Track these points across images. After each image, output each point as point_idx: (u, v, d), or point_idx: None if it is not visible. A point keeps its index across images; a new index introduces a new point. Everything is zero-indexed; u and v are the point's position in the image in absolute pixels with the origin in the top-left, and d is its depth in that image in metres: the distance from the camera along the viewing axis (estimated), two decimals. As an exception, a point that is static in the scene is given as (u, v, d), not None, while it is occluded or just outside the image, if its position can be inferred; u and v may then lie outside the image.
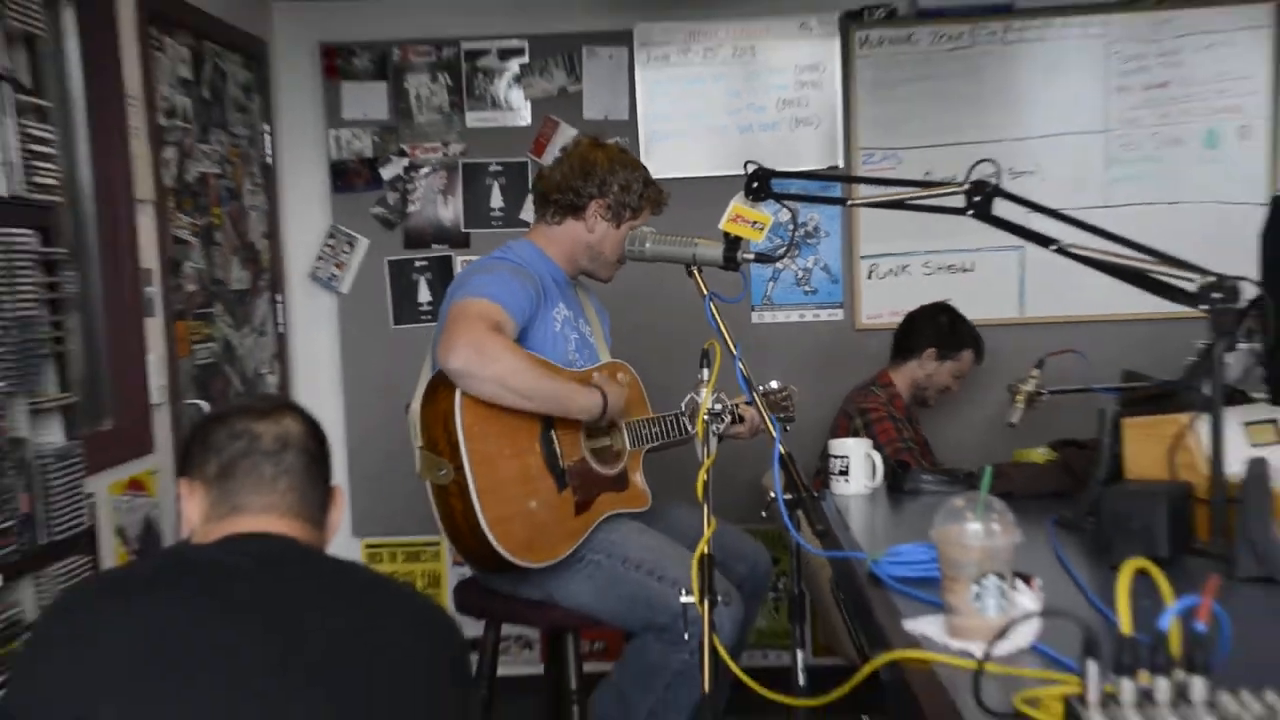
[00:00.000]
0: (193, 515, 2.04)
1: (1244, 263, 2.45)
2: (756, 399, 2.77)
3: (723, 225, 2.78)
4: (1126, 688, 1.36)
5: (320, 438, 2.13)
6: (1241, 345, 2.38)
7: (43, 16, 3.28)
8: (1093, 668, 1.37)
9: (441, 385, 3.28)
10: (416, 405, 3.35)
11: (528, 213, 5.29)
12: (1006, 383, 3.67)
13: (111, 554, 3.69)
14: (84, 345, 3.85)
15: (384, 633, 1.89)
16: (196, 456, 2.05)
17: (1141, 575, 1.46)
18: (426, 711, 1.83)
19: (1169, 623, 1.38)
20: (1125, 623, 1.39)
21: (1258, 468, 2.17)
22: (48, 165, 3.16)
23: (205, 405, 4.53)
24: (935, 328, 4.94)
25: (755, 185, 3.03)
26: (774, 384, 3.36)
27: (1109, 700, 1.36)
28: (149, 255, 4.17)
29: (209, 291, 4.73)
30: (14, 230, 3.02)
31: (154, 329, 4.19)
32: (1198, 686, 1.36)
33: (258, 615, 1.83)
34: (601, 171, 3.56)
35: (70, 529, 3.23)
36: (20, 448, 3.03)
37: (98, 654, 1.77)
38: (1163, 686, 1.35)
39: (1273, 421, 2.50)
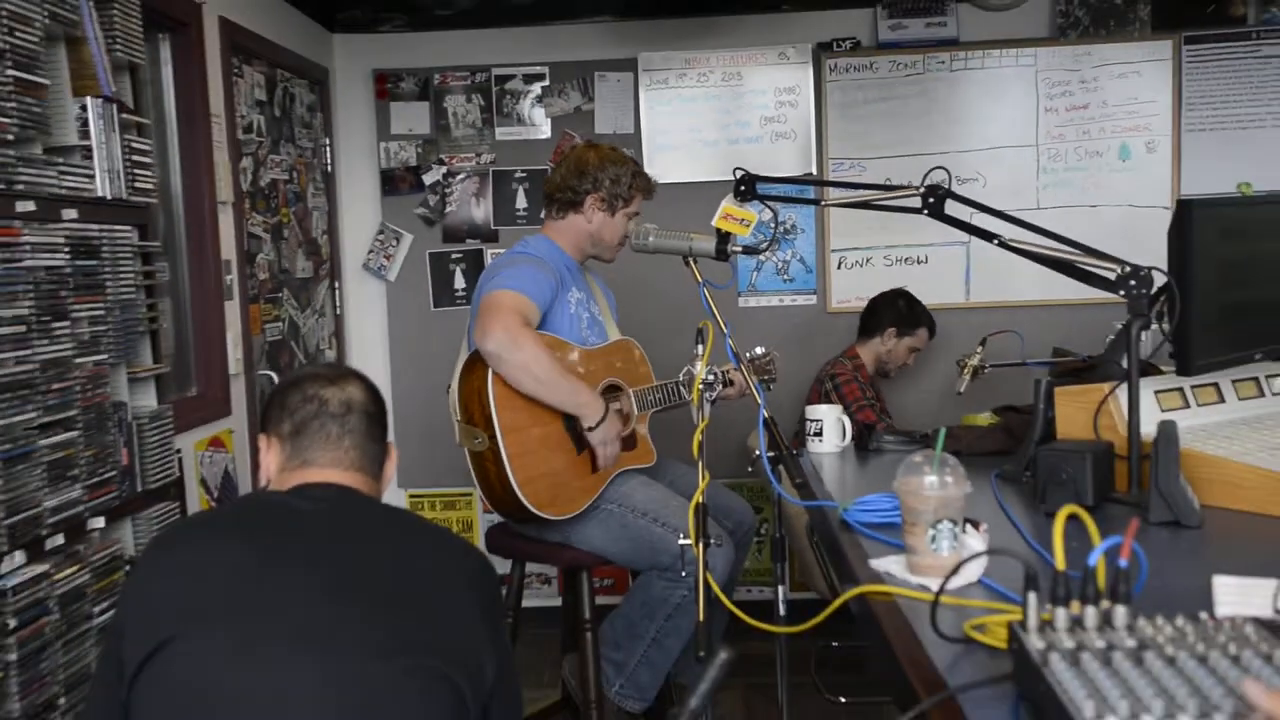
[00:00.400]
0: (270, 466, 2.06)
1: (1154, 256, 2.46)
2: (744, 368, 2.78)
3: (715, 222, 2.79)
4: (1060, 615, 1.37)
5: (379, 401, 2.14)
6: (1153, 325, 2.39)
7: (144, 48, 3.28)
8: (1032, 598, 1.38)
9: (476, 366, 3.28)
10: (455, 385, 3.35)
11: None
12: (955, 358, 3.68)
13: (196, 500, 3.72)
14: (174, 324, 3.88)
15: (430, 567, 1.90)
16: (274, 416, 2.06)
17: (1072, 520, 1.46)
18: (465, 633, 1.83)
19: (1096, 560, 1.40)
20: (1060, 560, 1.40)
21: (1167, 428, 2.18)
22: (145, 173, 3.16)
23: (274, 375, 4.55)
24: (894, 310, 4.97)
25: (743, 188, 3.04)
26: (759, 350, 3.36)
27: (1045, 625, 1.37)
28: (228, 248, 4.20)
29: (277, 279, 4.75)
30: (117, 227, 3.02)
31: (232, 311, 4.21)
32: (1120, 613, 1.37)
33: (324, 552, 1.85)
34: (593, 170, 3.55)
35: (162, 479, 3.23)
36: (121, 410, 3.04)
37: (183, 588, 1.79)
38: (1091, 614, 1.37)
39: (1179, 390, 2.52)
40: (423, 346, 5.53)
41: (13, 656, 2.51)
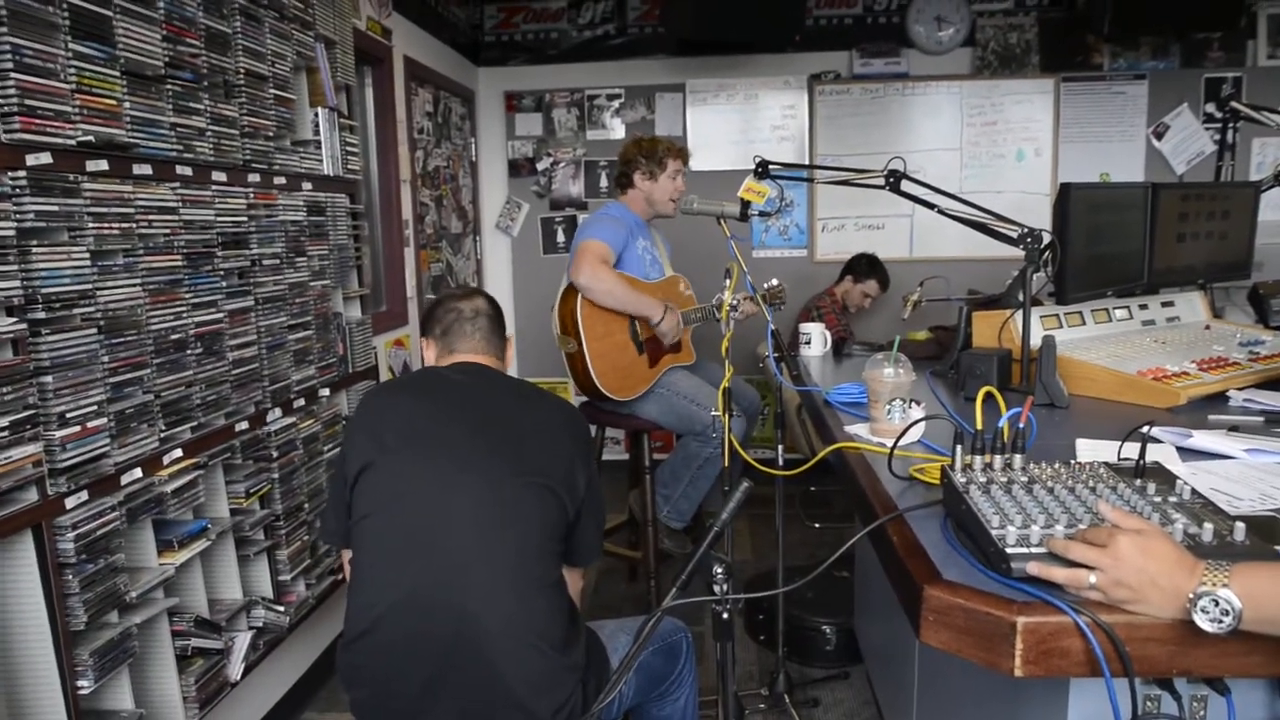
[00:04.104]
0: (430, 359, 2.09)
1: (1040, 227, 2.44)
2: (759, 296, 2.78)
3: (740, 193, 2.77)
4: (976, 460, 1.38)
5: (497, 308, 2.15)
6: (1041, 272, 2.37)
7: (354, 75, 3.30)
8: (958, 450, 1.39)
9: (570, 294, 3.28)
10: (556, 307, 3.36)
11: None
12: (901, 295, 3.65)
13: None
14: (371, 262, 3.91)
15: (541, 418, 1.90)
16: (429, 325, 2.09)
17: (987, 398, 1.47)
18: (564, 462, 1.84)
19: (1004, 423, 1.41)
20: (978, 423, 1.41)
21: (1048, 340, 2.17)
22: (354, 158, 3.18)
23: (437, 299, 4.59)
24: (857, 265, 4.92)
25: (759, 171, 3.02)
26: (774, 281, 3.35)
27: (966, 468, 1.38)
28: (406, 212, 4.22)
29: (439, 233, 4.76)
30: (336, 195, 3.06)
31: (409, 255, 4.25)
32: (1017, 460, 1.38)
33: (468, 405, 1.88)
34: (632, 155, 3.55)
35: (364, 364, 3.31)
36: (338, 318, 3.10)
37: (382, 426, 1.83)
38: (997, 460, 1.38)
39: (1056, 315, 2.49)
40: (535, 282, 5.53)
41: (276, 475, 2.60)
